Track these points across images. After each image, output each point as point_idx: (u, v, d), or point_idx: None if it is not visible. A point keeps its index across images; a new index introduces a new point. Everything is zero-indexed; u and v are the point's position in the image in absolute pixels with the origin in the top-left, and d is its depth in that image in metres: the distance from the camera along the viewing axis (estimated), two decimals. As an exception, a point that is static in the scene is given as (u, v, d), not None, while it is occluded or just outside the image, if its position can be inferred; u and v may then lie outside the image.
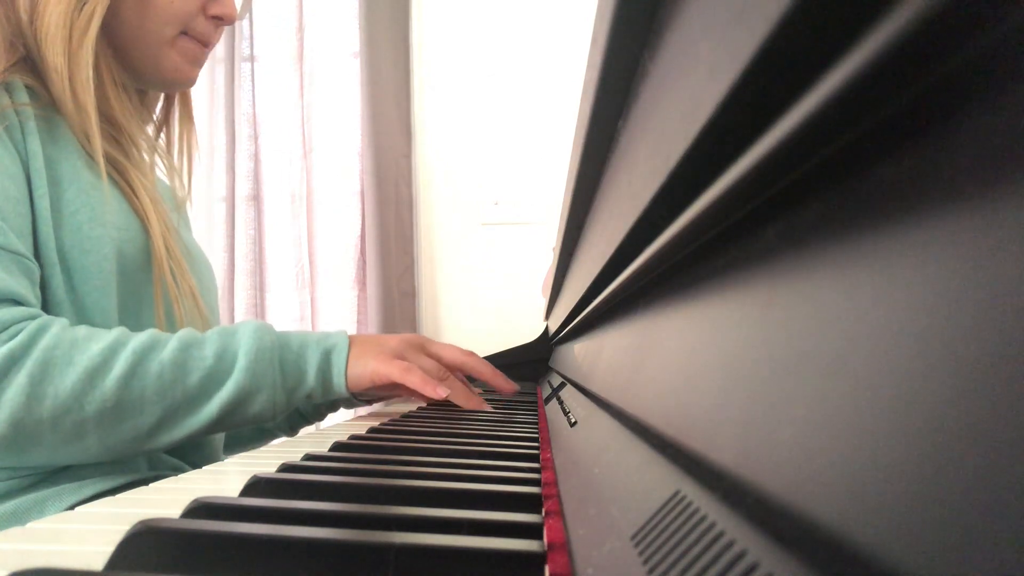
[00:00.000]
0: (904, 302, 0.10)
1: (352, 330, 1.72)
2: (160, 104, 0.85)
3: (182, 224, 0.82)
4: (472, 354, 0.77)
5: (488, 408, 0.74)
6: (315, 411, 0.88)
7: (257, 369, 0.61)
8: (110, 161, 0.68)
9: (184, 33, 0.73)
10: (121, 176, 0.69)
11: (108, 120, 0.69)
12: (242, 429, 0.89)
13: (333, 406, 0.90)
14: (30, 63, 0.66)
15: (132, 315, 0.68)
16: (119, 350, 0.57)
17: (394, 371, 0.66)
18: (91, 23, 0.65)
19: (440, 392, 0.67)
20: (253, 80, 1.74)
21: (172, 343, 0.59)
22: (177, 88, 0.79)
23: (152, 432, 0.58)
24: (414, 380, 0.66)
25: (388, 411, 0.80)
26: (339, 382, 0.66)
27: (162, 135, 0.85)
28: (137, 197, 0.69)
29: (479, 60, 1.72)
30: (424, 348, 0.73)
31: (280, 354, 0.63)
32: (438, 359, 0.73)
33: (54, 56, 0.64)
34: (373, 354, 0.67)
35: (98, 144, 0.65)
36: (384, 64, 1.68)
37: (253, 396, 0.61)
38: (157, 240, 0.69)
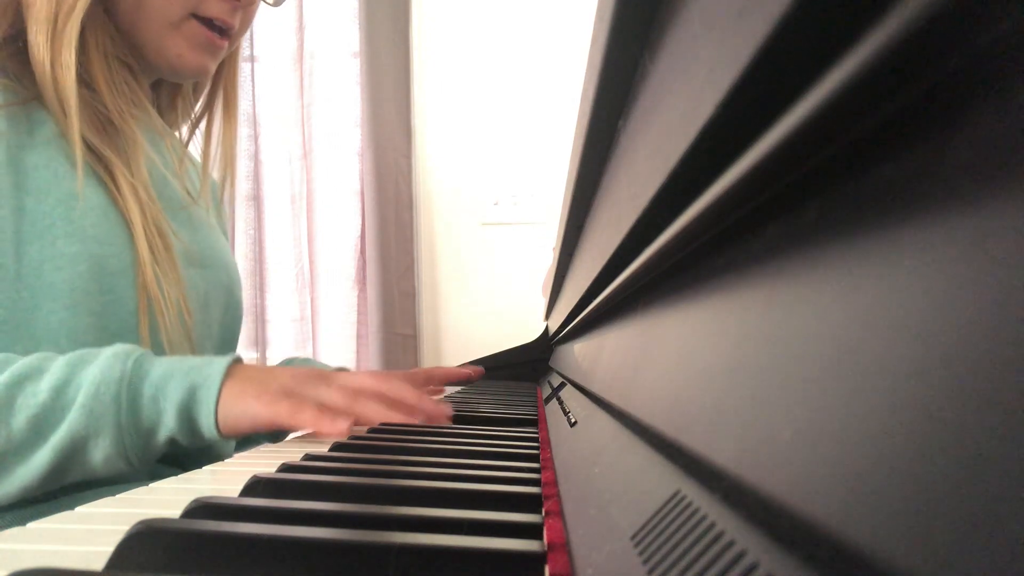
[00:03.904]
0: (904, 302, 0.10)
1: (352, 331, 1.72)
2: (203, 98, 0.81)
3: (199, 223, 0.75)
4: (390, 378, 0.61)
5: (439, 419, 0.59)
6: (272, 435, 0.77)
7: (96, 408, 0.50)
8: (96, 155, 0.62)
9: (194, 16, 0.68)
10: (107, 172, 0.63)
11: (100, 107, 0.64)
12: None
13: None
14: (21, 45, 0.62)
15: (112, 332, 0.62)
16: None
17: (280, 413, 0.52)
18: (78, 2, 0.60)
19: (340, 425, 0.52)
20: (253, 80, 1.75)
21: (4, 375, 0.50)
22: (185, 78, 0.74)
23: None
24: (305, 419, 0.52)
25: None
26: (208, 424, 0.52)
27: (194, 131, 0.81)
28: (121, 196, 0.63)
29: (479, 60, 1.73)
30: (325, 380, 0.58)
31: (133, 388, 0.52)
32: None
33: (36, 35, 0.60)
34: (254, 393, 0.53)
35: (76, 132, 0.60)
36: (384, 64, 1.68)
37: (92, 440, 0.50)
38: (141, 244, 0.62)
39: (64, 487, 0.56)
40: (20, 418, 0.49)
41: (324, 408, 0.54)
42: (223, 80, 0.81)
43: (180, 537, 0.23)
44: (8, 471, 0.50)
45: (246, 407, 0.53)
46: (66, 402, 0.50)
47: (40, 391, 0.50)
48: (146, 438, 0.53)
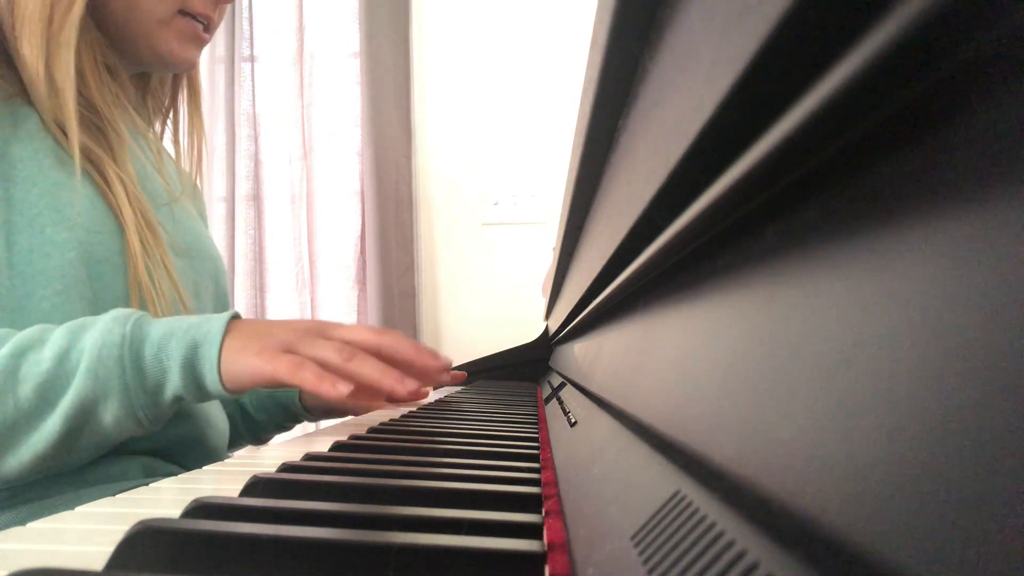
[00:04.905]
0: (904, 302, 0.10)
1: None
2: (168, 92, 0.83)
3: (182, 215, 0.77)
4: (388, 332, 0.61)
5: (422, 392, 0.59)
6: (271, 423, 0.83)
7: (100, 371, 0.51)
8: (85, 152, 0.63)
9: (182, 12, 0.70)
10: (96, 168, 0.64)
11: (86, 106, 0.65)
12: (242, 435, 0.86)
13: (292, 419, 0.85)
14: (1, 48, 0.62)
15: None
16: None
17: (281, 368, 0.53)
18: (75, 4, 0.61)
19: (341, 389, 0.52)
20: (253, 80, 1.75)
21: (6, 347, 0.51)
22: (176, 70, 0.76)
23: None
24: (307, 377, 0.52)
25: (389, 412, 0.80)
26: (212, 380, 0.53)
27: (169, 124, 0.83)
28: (111, 191, 0.64)
29: (479, 60, 1.73)
30: (323, 333, 0.58)
31: (135, 349, 0.52)
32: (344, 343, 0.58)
33: (30, 36, 0.60)
34: (255, 349, 0.54)
35: (75, 132, 0.61)
36: (384, 64, 1.68)
37: (101, 403, 0.51)
38: (132, 238, 0.63)
39: (64, 485, 0.57)
40: (26, 387, 0.50)
41: (324, 368, 0.54)
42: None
43: (180, 537, 0.23)
44: (20, 441, 0.51)
45: (247, 362, 0.54)
46: (70, 368, 0.51)
47: (43, 359, 0.51)
48: (154, 396, 0.53)
